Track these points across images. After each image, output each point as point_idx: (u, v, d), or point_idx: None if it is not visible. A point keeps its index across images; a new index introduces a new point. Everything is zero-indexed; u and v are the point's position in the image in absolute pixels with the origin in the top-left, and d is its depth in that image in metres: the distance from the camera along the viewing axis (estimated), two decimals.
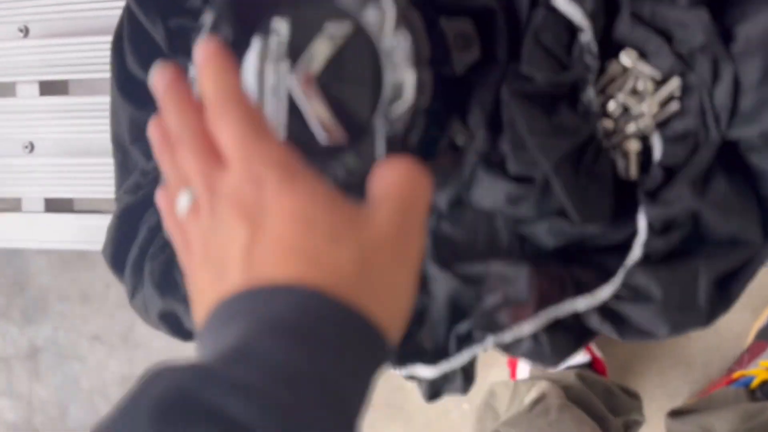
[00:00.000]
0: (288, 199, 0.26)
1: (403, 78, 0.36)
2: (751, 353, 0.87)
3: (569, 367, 0.88)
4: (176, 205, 0.30)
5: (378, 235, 0.27)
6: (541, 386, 0.82)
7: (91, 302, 1.33)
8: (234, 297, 0.26)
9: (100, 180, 0.53)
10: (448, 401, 1.04)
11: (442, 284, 0.43)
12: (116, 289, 1.29)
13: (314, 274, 0.25)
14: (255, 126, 0.28)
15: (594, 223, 0.39)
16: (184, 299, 0.43)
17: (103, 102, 0.47)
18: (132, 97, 0.45)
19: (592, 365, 0.91)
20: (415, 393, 1.10)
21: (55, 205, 0.56)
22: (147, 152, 0.45)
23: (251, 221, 0.26)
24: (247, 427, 0.20)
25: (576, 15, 0.38)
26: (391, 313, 0.26)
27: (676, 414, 0.82)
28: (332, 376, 0.23)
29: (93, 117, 0.51)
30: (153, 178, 0.44)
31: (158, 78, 0.31)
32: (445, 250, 0.44)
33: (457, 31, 0.39)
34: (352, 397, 0.24)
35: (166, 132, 0.31)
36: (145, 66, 0.44)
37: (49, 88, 0.55)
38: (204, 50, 0.29)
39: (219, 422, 0.21)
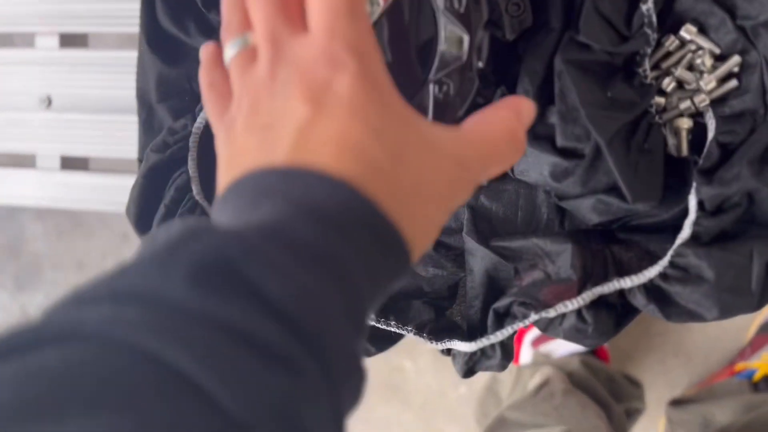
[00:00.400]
0: (361, 96, 0.25)
1: (458, 36, 0.35)
2: (754, 346, 0.87)
3: (573, 354, 0.88)
4: (227, 49, 0.28)
5: (442, 168, 0.26)
6: (545, 371, 0.82)
7: (87, 272, 1.30)
8: (275, 171, 0.24)
9: (119, 139, 0.50)
10: (446, 384, 1.04)
11: (480, 259, 0.42)
12: (113, 259, 1.27)
13: (365, 180, 0.24)
14: (353, 4, 0.26)
15: (646, 201, 0.37)
16: None
17: (124, 57, 0.45)
18: (162, 52, 0.43)
19: (596, 352, 0.91)
20: (412, 374, 1.10)
21: (70, 164, 0.53)
22: (175, 112, 0.43)
23: (316, 102, 0.24)
24: (280, 311, 0.20)
25: None
26: (421, 239, 0.26)
27: (677, 403, 0.82)
28: (357, 274, 0.23)
29: (114, 72, 0.48)
30: (182, 137, 0.42)
31: None
32: (483, 225, 0.43)
33: None
34: (369, 301, 0.24)
35: None
36: (177, 20, 0.42)
37: (69, 40, 0.53)
38: None
39: (256, 301, 0.20)
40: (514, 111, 0.28)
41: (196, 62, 0.43)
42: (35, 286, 1.31)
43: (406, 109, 0.26)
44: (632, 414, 0.87)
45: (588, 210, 0.40)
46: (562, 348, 0.89)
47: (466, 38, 0.35)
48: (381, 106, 0.25)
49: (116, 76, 0.48)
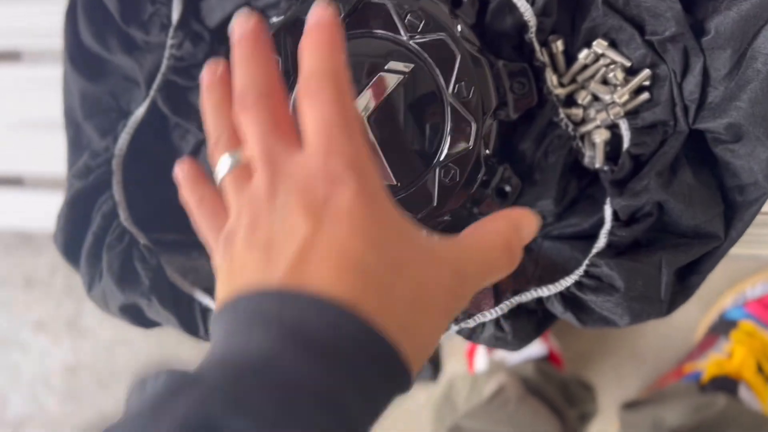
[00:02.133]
0: (361, 211, 0.24)
1: (466, 124, 0.35)
2: (701, 347, 0.89)
3: (527, 360, 0.88)
4: (219, 166, 0.27)
5: (441, 280, 0.25)
6: (500, 378, 0.83)
7: (36, 288, 1.28)
8: (271, 293, 0.24)
9: (53, 155, 0.50)
10: None
11: None
12: (63, 275, 1.25)
13: (365, 299, 0.23)
14: (347, 116, 0.25)
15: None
16: (145, 293, 0.41)
17: (59, 73, 0.44)
18: (84, 69, 0.42)
19: (549, 358, 0.92)
20: None
21: (3, 181, 0.52)
22: (102, 129, 0.43)
23: (316, 219, 0.24)
24: None
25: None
26: (421, 353, 0.25)
27: (629, 406, 0.84)
28: (354, 406, 0.22)
29: (48, 89, 0.47)
30: (104, 160, 0.42)
31: (240, 22, 0.27)
32: None
33: (515, 75, 0.38)
34: (367, 426, 0.23)
35: (224, 80, 0.28)
36: (100, 37, 0.41)
37: (1, 56, 0.52)
38: (317, 14, 0.26)
39: None
40: (513, 224, 0.29)
41: (120, 79, 0.43)
42: None
43: (405, 221, 0.26)
44: (586, 418, 0.88)
45: None
46: (515, 354, 0.90)
47: (473, 126, 0.35)
48: (381, 220, 0.25)
49: (51, 93, 0.48)
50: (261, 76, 0.27)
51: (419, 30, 0.34)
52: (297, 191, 0.25)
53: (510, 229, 0.28)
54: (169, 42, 0.40)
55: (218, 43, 0.40)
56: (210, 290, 0.43)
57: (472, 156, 0.35)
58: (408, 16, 0.34)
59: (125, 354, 1.23)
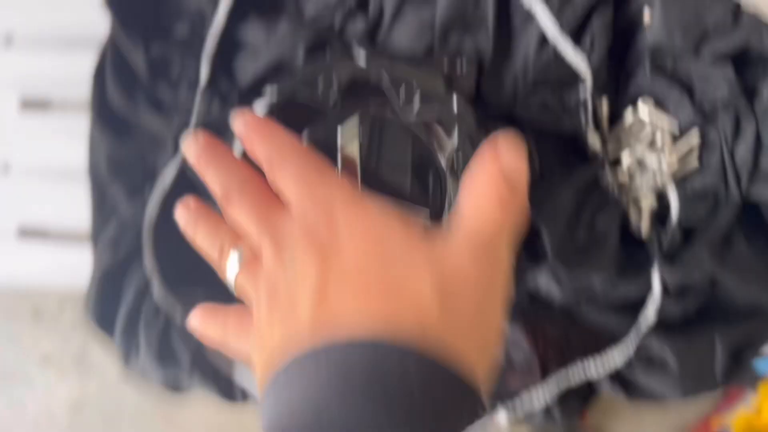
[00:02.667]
0: (359, 218, 0.25)
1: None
2: (728, 399, 0.86)
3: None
4: (229, 272, 0.28)
5: (460, 261, 0.24)
6: None
7: (43, 322, 1.26)
8: (304, 351, 0.22)
9: (81, 207, 0.48)
10: None
11: None
12: (71, 309, 1.23)
13: (394, 312, 0.22)
14: (316, 165, 0.27)
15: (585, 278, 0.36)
16: (187, 368, 0.40)
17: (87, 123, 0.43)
18: (111, 129, 0.41)
19: None
20: None
21: (29, 233, 0.51)
22: (128, 190, 0.42)
23: (322, 253, 0.24)
24: None
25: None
26: (479, 354, 0.24)
27: None
28: None
29: (77, 138, 0.46)
30: (134, 234, 0.40)
31: (190, 144, 0.29)
32: None
33: None
34: None
35: (198, 206, 0.30)
36: (127, 97, 0.40)
37: (29, 104, 0.51)
38: (244, 119, 0.29)
39: None
40: (495, 177, 0.26)
41: (147, 139, 0.42)
42: None
43: (407, 228, 0.25)
44: None
45: (545, 282, 0.39)
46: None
47: None
48: (384, 219, 0.25)
49: (79, 142, 0.46)
50: (232, 173, 0.29)
51: (414, 103, 0.33)
52: (299, 240, 0.25)
53: (494, 183, 0.26)
54: (197, 102, 0.39)
55: (247, 103, 0.39)
56: None
57: None
58: (402, 89, 0.33)
59: (132, 392, 1.22)
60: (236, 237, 0.29)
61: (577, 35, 0.36)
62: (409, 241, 0.24)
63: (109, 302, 0.41)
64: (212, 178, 0.29)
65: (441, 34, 0.37)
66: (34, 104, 0.51)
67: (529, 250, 0.37)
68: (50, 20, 0.49)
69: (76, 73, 0.48)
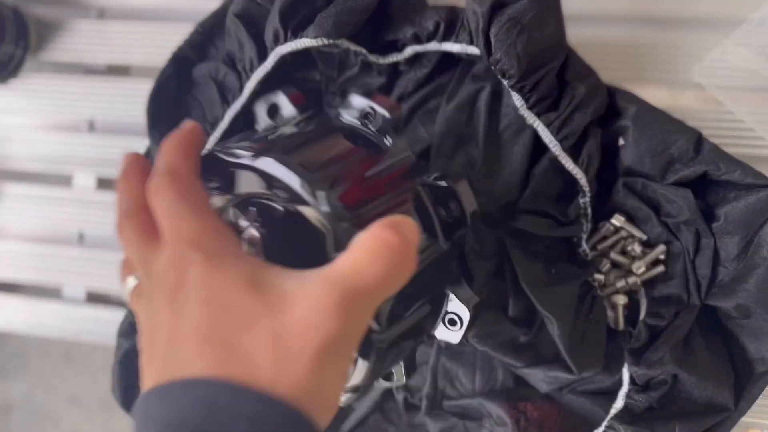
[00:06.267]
0: (207, 283, 0.25)
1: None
2: None
3: None
4: (125, 287, 0.31)
5: (305, 311, 0.25)
6: None
7: (74, 362, 1.32)
8: (151, 392, 0.25)
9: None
10: None
11: (434, 418, 0.46)
12: (103, 352, 1.29)
13: (227, 364, 0.24)
14: (190, 200, 0.27)
15: (589, 370, 0.42)
16: None
17: None
18: None
19: None
20: None
21: (96, 298, 0.58)
22: None
23: (175, 305, 0.26)
24: None
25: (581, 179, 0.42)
26: (316, 396, 0.25)
27: None
28: None
29: None
30: None
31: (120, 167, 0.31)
32: (444, 383, 0.47)
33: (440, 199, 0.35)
34: None
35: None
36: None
37: (105, 182, 0.58)
38: (179, 131, 0.30)
39: None
40: (383, 226, 0.26)
41: None
42: (20, 374, 1.32)
43: (261, 276, 0.26)
44: None
45: (538, 381, 0.44)
46: None
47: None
48: (231, 285, 0.25)
49: None
50: (131, 196, 0.30)
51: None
52: (159, 286, 0.26)
53: (380, 238, 0.26)
54: None
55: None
56: None
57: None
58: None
59: None
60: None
61: (572, 152, 0.42)
62: (253, 303, 0.25)
63: (131, 386, 0.46)
64: (117, 199, 0.30)
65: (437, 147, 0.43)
66: (110, 184, 0.59)
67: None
68: (126, 110, 0.57)
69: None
